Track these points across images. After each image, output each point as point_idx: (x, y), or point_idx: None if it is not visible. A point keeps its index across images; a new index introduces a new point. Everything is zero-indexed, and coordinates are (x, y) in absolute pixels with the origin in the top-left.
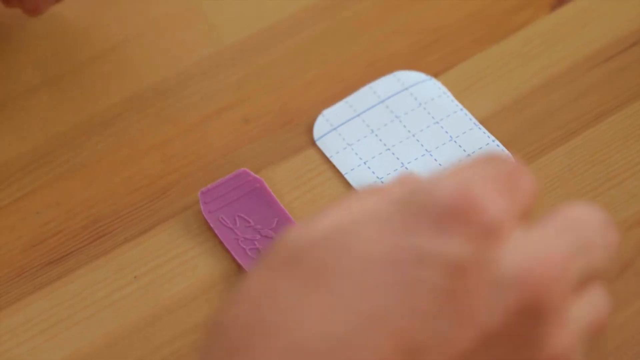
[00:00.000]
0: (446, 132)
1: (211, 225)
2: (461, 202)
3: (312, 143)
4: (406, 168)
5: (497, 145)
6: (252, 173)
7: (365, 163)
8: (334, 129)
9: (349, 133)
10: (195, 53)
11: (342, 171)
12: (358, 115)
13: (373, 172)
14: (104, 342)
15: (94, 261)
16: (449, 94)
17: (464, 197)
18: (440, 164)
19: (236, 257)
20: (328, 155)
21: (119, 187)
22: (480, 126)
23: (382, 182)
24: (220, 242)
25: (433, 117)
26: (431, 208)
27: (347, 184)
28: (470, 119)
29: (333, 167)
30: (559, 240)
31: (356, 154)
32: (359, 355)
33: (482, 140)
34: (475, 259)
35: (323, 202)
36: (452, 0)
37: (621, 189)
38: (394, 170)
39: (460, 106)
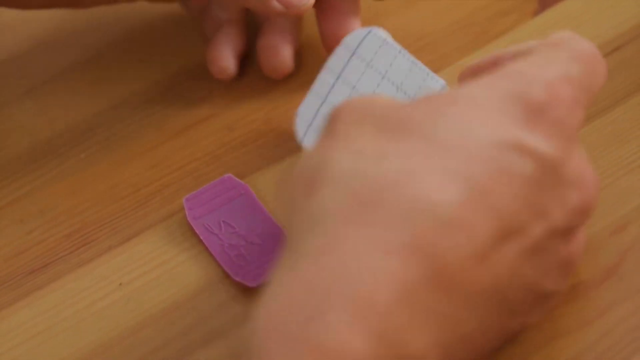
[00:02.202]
0: (392, 83)
1: (196, 231)
2: (556, 101)
3: (297, 149)
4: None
5: (432, 77)
6: (237, 179)
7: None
8: (311, 124)
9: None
10: (180, 60)
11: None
12: (325, 101)
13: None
14: (88, 351)
15: (78, 269)
16: (389, 39)
17: (559, 96)
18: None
19: (222, 264)
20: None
21: (103, 195)
22: (419, 64)
23: None
24: (206, 249)
25: (380, 73)
26: (528, 103)
27: None
28: (413, 61)
29: None
30: None
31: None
32: (465, 224)
33: (421, 77)
34: (559, 159)
35: None
36: (437, 7)
37: (608, 192)
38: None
39: (399, 48)
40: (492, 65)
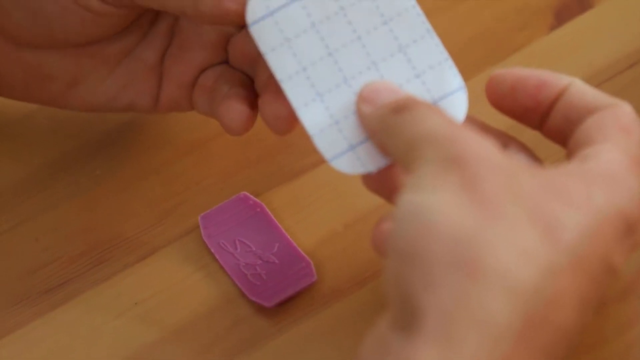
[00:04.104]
0: (395, 38)
1: (212, 250)
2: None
3: (313, 166)
4: (349, 84)
5: (450, 66)
6: (253, 197)
7: (304, 70)
8: (271, 14)
9: (287, 23)
10: None
11: (279, 77)
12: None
13: (312, 86)
14: None
15: (93, 288)
16: (417, 8)
17: None
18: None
19: (237, 283)
20: (263, 50)
21: (118, 212)
22: (434, 34)
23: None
24: (222, 267)
25: (382, 15)
26: (628, 218)
27: (351, 207)
28: (423, 23)
29: (334, 189)
30: None
31: (295, 54)
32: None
33: (434, 57)
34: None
35: (324, 225)
36: (453, 22)
37: None
38: (335, 86)
39: (413, 1)
40: (536, 89)
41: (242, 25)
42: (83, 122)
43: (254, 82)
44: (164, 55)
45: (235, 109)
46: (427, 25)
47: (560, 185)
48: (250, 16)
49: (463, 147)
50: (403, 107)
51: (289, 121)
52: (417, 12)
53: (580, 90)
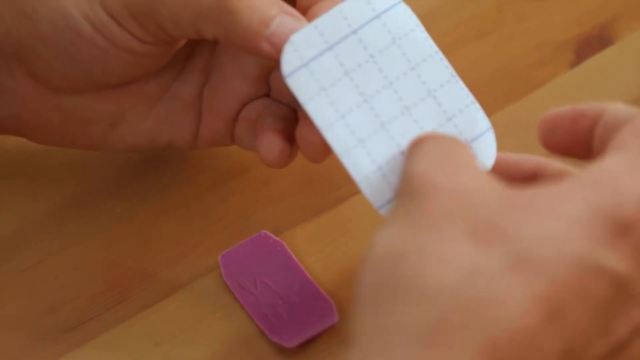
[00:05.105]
0: (423, 82)
1: (232, 289)
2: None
3: (334, 204)
4: (387, 129)
5: (477, 109)
6: (273, 236)
7: (343, 118)
8: (305, 64)
9: (322, 72)
10: None
11: (319, 126)
12: (330, 49)
13: (353, 133)
14: None
15: (113, 328)
16: (421, 26)
17: None
18: (421, 127)
19: (258, 323)
20: (302, 100)
21: (138, 250)
22: (458, 78)
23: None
24: (242, 307)
25: (409, 61)
26: (619, 219)
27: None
28: (447, 67)
29: (355, 228)
30: None
31: (332, 103)
32: (539, 350)
33: (461, 100)
34: (633, 280)
35: (345, 265)
36: (474, 57)
37: None
38: (374, 132)
39: (435, 47)
40: (572, 121)
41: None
42: (103, 159)
43: (296, 114)
44: (201, 90)
45: (274, 142)
46: (451, 69)
47: (526, 200)
48: (286, 68)
49: (422, 180)
50: (412, 145)
51: (324, 149)
52: (440, 57)
53: (614, 110)
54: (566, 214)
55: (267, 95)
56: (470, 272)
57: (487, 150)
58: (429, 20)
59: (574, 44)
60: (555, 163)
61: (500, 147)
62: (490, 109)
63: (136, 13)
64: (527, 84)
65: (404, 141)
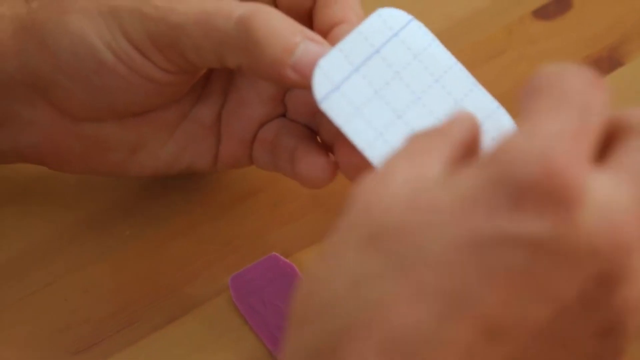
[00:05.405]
0: (449, 93)
1: (242, 312)
2: (545, 178)
3: None
4: None
5: (503, 112)
6: (283, 258)
7: (381, 135)
8: (337, 88)
9: (353, 94)
10: None
11: (360, 147)
12: (357, 70)
13: (393, 148)
14: None
15: (123, 350)
16: (437, 40)
17: (547, 173)
18: None
19: (268, 345)
20: (338, 123)
21: (148, 272)
22: (479, 86)
23: None
24: (252, 329)
25: (432, 74)
26: (512, 185)
27: None
28: (468, 77)
29: None
30: (630, 191)
31: (368, 122)
32: (445, 340)
33: (487, 106)
34: (556, 236)
35: None
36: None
37: None
38: None
39: (454, 58)
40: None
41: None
42: (112, 181)
43: (316, 133)
44: (220, 113)
45: (316, 162)
46: (472, 78)
47: (431, 199)
48: (319, 93)
49: (354, 196)
50: None
51: (366, 168)
52: (460, 67)
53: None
54: (459, 198)
55: (284, 115)
56: (354, 281)
57: None
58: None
59: (584, 65)
60: None
61: None
62: None
63: (159, 43)
64: None
65: None
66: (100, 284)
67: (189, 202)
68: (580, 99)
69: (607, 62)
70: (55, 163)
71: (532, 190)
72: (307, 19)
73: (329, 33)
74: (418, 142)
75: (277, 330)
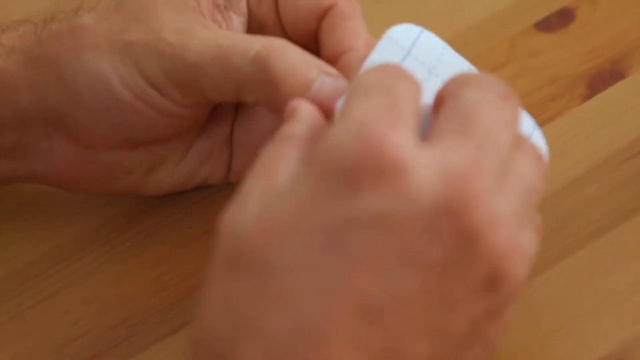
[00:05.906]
0: None
1: None
2: (366, 152)
3: None
4: None
5: (524, 114)
6: None
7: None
8: None
9: None
10: None
11: None
12: None
13: None
14: None
15: None
16: (448, 46)
17: (366, 147)
18: None
19: None
20: None
21: (150, 285)
22: None
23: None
24: None
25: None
26: (340, 170)
27: None
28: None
29: None
30: (466, 145)
31: None
32: (324, 329)
33: None
34: (397, 204)
35: None
36: None
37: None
38: None
39: (467, 62)
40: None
41: None
42: (114, 195)
43: None
44: (232, 128)
45: None
46: None
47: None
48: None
49: None
50: None
51: None
52: (474, 70)
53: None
54: (302, 200)
55: None
56: (224, 306)
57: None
58: None
59: (586, 77)
60: None
61: None
62: None
63: (177, 81)
64: (539, 117)
65: None
66: (101, 295)
67: (190, 214)
68: (383, 85)
69: (609, 75)
70: (72, 186)
71: (359, 168)
72: (313, 40)
73: (337, 61)
74: (268, 154)
75: None
